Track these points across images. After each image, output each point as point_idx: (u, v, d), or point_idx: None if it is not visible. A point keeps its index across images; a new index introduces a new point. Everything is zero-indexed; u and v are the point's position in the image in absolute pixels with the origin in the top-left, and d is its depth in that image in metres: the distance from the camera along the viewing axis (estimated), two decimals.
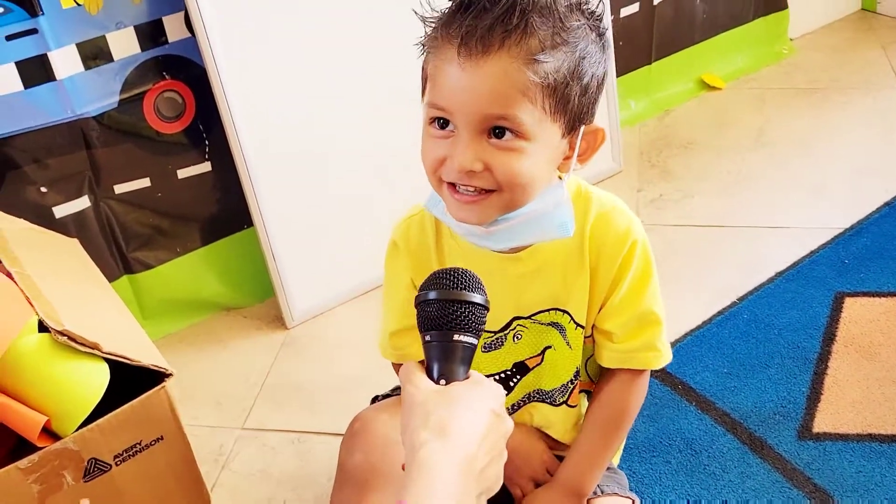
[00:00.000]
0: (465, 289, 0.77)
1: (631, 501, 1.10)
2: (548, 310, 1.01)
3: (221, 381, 1.56)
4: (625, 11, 2.02)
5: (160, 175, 1.55)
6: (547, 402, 1.10)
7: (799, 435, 1.30)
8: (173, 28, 1.45)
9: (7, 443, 1.05)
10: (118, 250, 1.57)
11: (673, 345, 1.42)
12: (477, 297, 0.77)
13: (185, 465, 1.14)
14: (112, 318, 1.20)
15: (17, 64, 1.33)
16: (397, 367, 1.12)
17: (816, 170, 1.92)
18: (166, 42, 1.46)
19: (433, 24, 0.86)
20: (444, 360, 0.77)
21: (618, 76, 1.98)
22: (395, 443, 1.02)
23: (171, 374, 1.07)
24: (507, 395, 0.98)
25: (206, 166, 1.58)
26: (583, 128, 0.88)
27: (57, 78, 1.37)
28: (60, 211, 1.48)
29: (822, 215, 1.77)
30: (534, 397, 1.11)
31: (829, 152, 1.98)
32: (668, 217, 1.83)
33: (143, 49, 1.44)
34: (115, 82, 1.43)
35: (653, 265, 1.00)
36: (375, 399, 1.20)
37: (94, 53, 1.40)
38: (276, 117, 1.52)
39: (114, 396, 1.02)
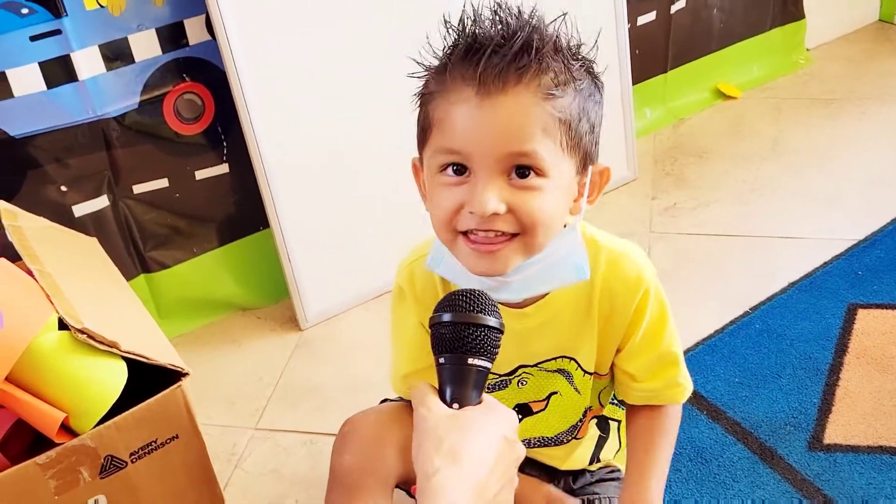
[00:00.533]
0: (480, 311, 0.76)
1: None
2: (554, 358, 1.00)
3: (235, 381, 1.57)
4: (642, 20, 2.02)
5: (178, 176, 1.57)
6: (551, 446, 1.10)
7: (809, 446, 1.30)
8: (194, 31, 1.47)
9: (25, 438, 1.06)
10: (136, 249, 1.59)
11: (686, 353, 1.42)
12: (492, 321, 0.76)
13: (200, 463, 1.15)
14: (130, 316, 1.21)
15: (41, 64, 1.35)
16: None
17: (831, 180, 1.92)
18: (187, 44, 1.48)
19: (435, 71, 0.85)
20: (457, 384, 0.76)
21: (633, 84, 1.98)
22: (382, 444, 1.03)
23: (187, 374, 1.08)
24: None
25: (223, 168, 1.60)
26: (591, 168, 0.88)
27: (79, 78, 1.39)
28: (80, 210, 1.50)
29: (836, 226, 1.77)
30: (535, 444, 1.11)
31: (844, 163, 1.98)
32: (682, 225, 1.84)
33: (164, 51, 1.46)
34: (136, 83, 1.45)
35: (667, 307, 0.99)
36: (384, 402, 1.21)
37: (116, 55, 1.42)
38: (293, 120, 1.53)
39: (130, 394, 1.03)
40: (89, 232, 1.47)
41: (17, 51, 1.33)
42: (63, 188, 1.47)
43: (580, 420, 1.07)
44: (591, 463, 1.17)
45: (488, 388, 1.02)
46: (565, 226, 0.90)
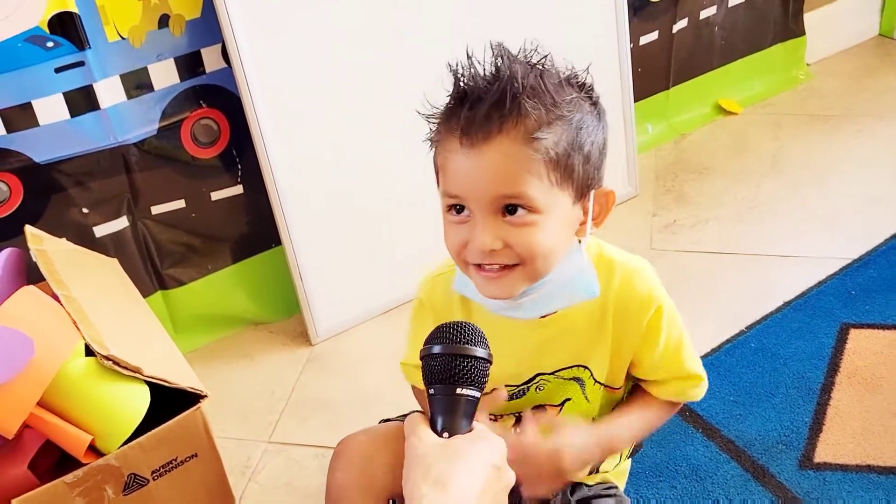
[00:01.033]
0: (468, 343, 0.79)
1: None
2: (570, 367, 1.05)
3: (248, 395, 1.62)
4: (644, 40, 2.06)
5: (195, 197, 1.62)
6: None
7: (800, 464, 1.34)
8: (210, 59, 1.52)
9: (51, 457, 1.12)
10: (153, 267, 1.65)
11: None
12: (479, 352, 0.79)
13: (217, 479, 1.21)
14: (150, 338, 1.27)
15: (65, 94, 1.40)
16: (418, 391, 1.18)
17: (827, 198, 1.95)
18: (204, 72, 1.53)
19: (437, 121, 0.92)
20: (448, 414, 0.78)
21: (635, 101, 2.01)
22: (370, 461, 1.08)
23: (206, 396, 1.14)
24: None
25: (238, 189, 1.65)
26: (593, 192, 0.93)
27: (101, 107, 1.44)
28: (100, 230, 1.56)
29: (832, 245, 1.80)
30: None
31: (840, 180, 2.00)
32: (681, 242, 1.87)
33: (182, 79, 1.51)
34: (155, 111, 1.51)
35: (681, 324, 1.04)
36: (383, 422, 1.24)
37: (137, 84, 1.47)
38: (306, 144, 1.58)
39: (150, 410, 1.09)
40: (109, 251, 1.53)
41: (43, 82, 1.38)
42: (85, 210, 1.52)
43: None
44: (589, 474, 1.21)
45: (509, 399, 1.06)
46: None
